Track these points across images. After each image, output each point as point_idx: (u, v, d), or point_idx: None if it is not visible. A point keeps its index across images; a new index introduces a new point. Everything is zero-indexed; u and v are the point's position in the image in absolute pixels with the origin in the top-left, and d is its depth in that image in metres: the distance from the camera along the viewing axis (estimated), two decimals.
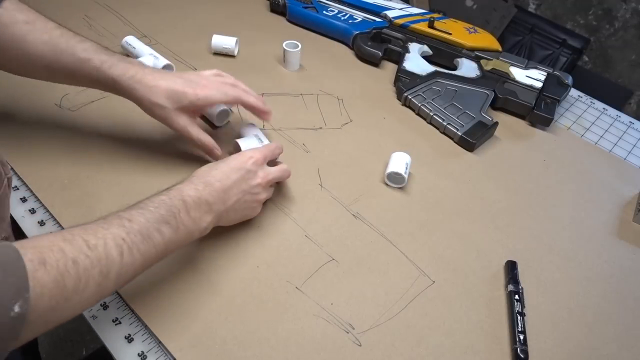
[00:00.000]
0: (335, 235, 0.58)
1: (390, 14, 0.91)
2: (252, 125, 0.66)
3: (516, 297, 0.53)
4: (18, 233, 0.53)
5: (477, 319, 0.52)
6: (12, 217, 0.53)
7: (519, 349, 0.48)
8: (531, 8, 1.84)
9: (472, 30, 0.89)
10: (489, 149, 0.73)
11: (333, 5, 0.93)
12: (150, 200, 0.45)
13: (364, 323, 0.50)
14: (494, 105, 0.80)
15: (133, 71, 0.55)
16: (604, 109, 0.86)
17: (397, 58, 0.85)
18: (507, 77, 0.82)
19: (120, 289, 0.42)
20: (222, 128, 0.69)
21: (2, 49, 0.54)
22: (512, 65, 0.84)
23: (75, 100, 0.69)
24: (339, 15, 0.91)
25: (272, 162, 0.58)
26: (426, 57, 0.85)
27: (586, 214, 0.66)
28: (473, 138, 0.71)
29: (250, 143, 0.62)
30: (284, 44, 0.80)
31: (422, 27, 0.88)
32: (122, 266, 0.40)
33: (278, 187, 0.61)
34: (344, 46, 0.90)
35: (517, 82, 0.81)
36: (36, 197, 0.57)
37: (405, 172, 0.63)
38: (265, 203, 0.58)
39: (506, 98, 0.78)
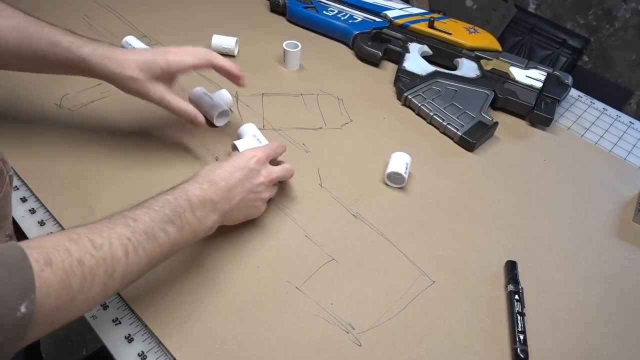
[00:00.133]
0: (335, 235, 0.58)
1: (390, 14, 0.91)
2: (250, 126, 0.66)
3: (516, 297, 0.53)
4: (18, 233, 0.53)
5: (477, 319, 0.52)
6: (12, 217, 0.53)
7: (519, 349, 0.48)
8: (531, 8, 1.84)
9: (472, 30, 0.89)
10: (489, 149, 0.73)
11: (333, 5, 0.93)
12: (155, 200, 0.45)
13: (364, 323, 0.50)
14: (494, 105, 0.80)
15: (102, 49, 0.55)
16: (604, 109, 0.86)
17: (397, 58, 0.85)
18: (507, 77, 0.82)
19: (126, 288, 0.42)
20: (222, 128, 0.69)
21: None
22: (512, 65, 0.84)
23: (75, 100, 0.69)
24: (339, 15, 0.91)
25: (274, 162, 0.59)
26: (426, 57, 0.85)
27: (586, 214, 0.66)
28: (473, 138, 0.71)
29: (249, 144, 0.62)
30: (284, 44, 0.80)
31: (422, 27, 0.88)
32: (127, 265, 0.40)
33: (279, 187, 0.61)
34: (344, 46, 0.90)
35: (517, 82, 0.81)
36: (36, 197, 0.57)
37: (405, 172, 0.63)
38: (267, 203, 0.58)
39: (506, 98, 0.78)
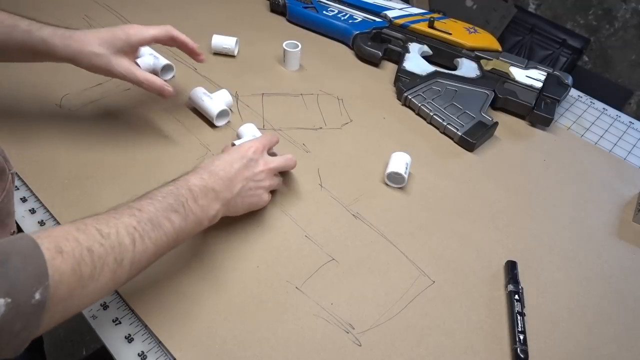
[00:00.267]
0: (335, 235, 0.58)
1: (390, 14, 0.91)
2: (249, 126, 0.66)
3: (516, 297, 0.53)
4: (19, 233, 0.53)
5: (477, 319, 0.52)
6: None
7: (519, 349, 0.48)
8: (531, 8, 1.84)
9: (472, 30, 0.89)
10: (489, 149, 0.73)
11: (333, 5, 0.93)
12: (158, 191, 0.46)
13: (364, 323, 0.50)
14: (494, 105, 0.80)
15: (61, 30, 0.56)
16: (604, 109, 0.86)
17: (397, 58, 0.85)
18: (507, 77, 0.82)
19: (133, 278, 0.43)
20: (222, 128, 0.69)
21: None
22: (512, 65, 0.84)
23: (75, 100, 0.69)
24: (339, 15, 0.91)
25: (271, 154, 0.59)
26: (426, 57, 0.85)
27: (586, 214, 0.66)
28: (473, 138, 0.71)
29: None
30: (284, 44, 0.80)
31: (422, 27, 0.88)
32: (135, 254, 0.41)
33: (279, 187, 0.61)
34: (344, 46, 0.90)
35: (517, 82, 0.81)
36: (36, 197, 0.57)
37: (405, 172, 0.63)
38: (270, 194, 0.58)
39: (506, 98, 0.78)
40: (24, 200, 0.57)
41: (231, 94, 0.71)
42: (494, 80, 0.81)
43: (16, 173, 0.58)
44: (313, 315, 0.50)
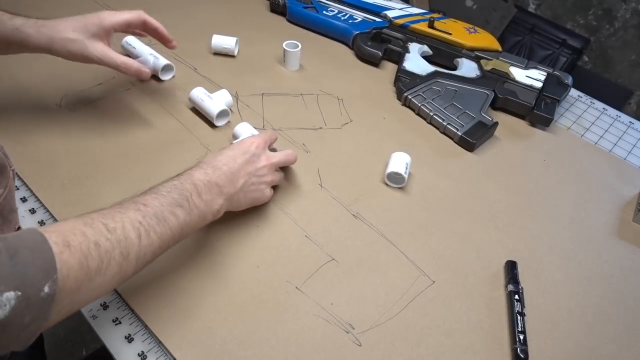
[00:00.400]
0: (335, 235, 0.58)
1: (390, 14, 0.91)
2: (245, 125, 0.66)
3: (516, 297, 0.53)
4: None
5: (477, 319, 0.52)
6: None
7: (519, 349, 0.48)
8: (531, 8, 1.84)
9: (472, 30, 0.89)
10: (489, 149, 0.73)
11: (333, 5, 0.93)
12: (163, 186, 0.46)
13: (364, 323, 0.50)
14: (494, 105, 0.80)
15: (33, 20, 0.56)
16: (603, 109, 0.86)
17: (397, 58, 0.85)
18: (507, 77, 0.82)
19: (139, 272, 0.43)
20: (222, 128, 0.69)
21: None
22: (512, 65, 0.84)
23: (75, 100, 0.69)
24: (339, 15, 0.91)
25: (271, 150, 0.59)
26: (426, 57, 0.85)
27: (586, 214, 0.66)
28: (473, 138, 0.71)
29: None
30: (284, 44, 0.80)
31: (422, 27, 0.88)
32: (140, 248, 0.41)
33: (279, 186, 0.61)
34: (344, 46, 0.90)
35: (517, 82, 0.81)
36: (36, 197, 0.57)
37: (405, 172, 0.63)
38: (266, 203, 0.58)
39: (506, 98, 0.78)
40: (24, 200, 0.57)
41: (231, 94, 0.71)
42: (494, 80, 0.81)
43: (16, 173, 0.58)
44: (313, 315, 0.50)
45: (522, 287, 0.54)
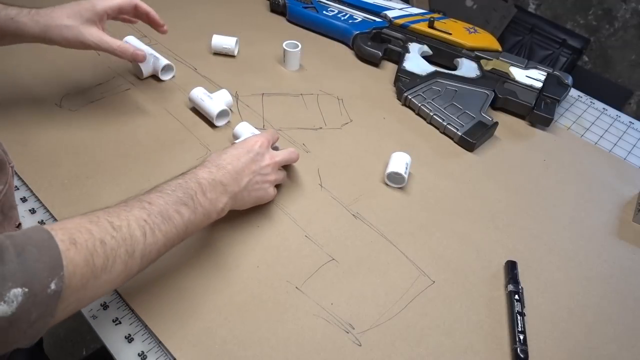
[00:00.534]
0: (335, 235, 0.58)
1: (390, 14, 0.91)
2: (245, 125, 0.66)
3: (516, 297, 0.53)
4: None
5: (477, 319, 0.52)
6: None
7: (519, 349, 0.48)
8: (531, 8, 1.84)
9: (472, 30, 0.89)
10: (489, 149, 0.73)
11: (333, 5, 0.93)
12: (167, 184, 0.47)
13: (364, 323, 0.50)
14: (494, 105, 0.80)
15: (27, 9, 0.57)
16: (603, 109, 0.86)
17: (397, 58, 0.85)
18: (507, 77, 0.82)
19: (144, 270, 0.43)
20: (222, 128, 0.69)
21: None
22: (512, 65, 0.84)
23: (75, 100, 0.69)
24: (339, 15, 0.91)
25: (273, 148, 0.60)
26: (426, 57, 0.85)
27: (586, 214, 0.66)
28: (473, 138, 0.71)
29: None
30: (284, 44, 0.80)
31: (422, 27, 0.88)
32: (145, 246, 0.41)
33: (279, 186, 0.61)
34: (344, 46, 0.90)
35: (517, 82, 0.81)
36: (36, 197, 0.57)
37: (405, 172, 0.63)
38: (268, 202, 0.58)
39: (506, 98, 0.78)
40: (24, 200, 0.57)
41: (231, 94, 0.71)
42: (494, 80, 0.81)
43: (16, 173, 0.58)
44: (313, 315, 0.50)
45: (522, 287, 0.54)
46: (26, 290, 0.32)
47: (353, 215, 0.60)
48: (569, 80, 0.82)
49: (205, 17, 0.91)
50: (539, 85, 0.80)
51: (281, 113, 0.73)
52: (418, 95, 0.77)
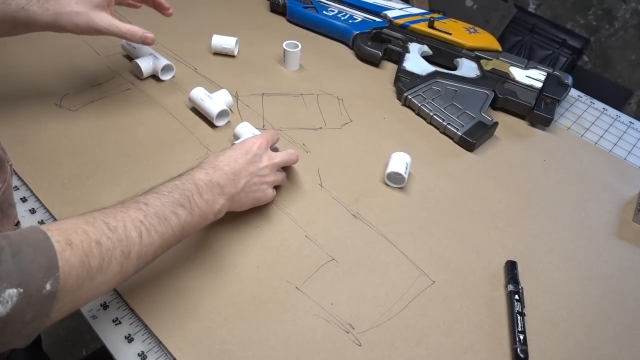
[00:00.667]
0: (335, 235, 0.58)
1: (390, 14, 0.91)
2: (246, 125, 0.66)
3: (516, 297, 0.53)
4: None
5: (477, 319, 0.52)
6: None
7: (519, 349, 0.48)
8: (531, 8, 1.84)
9: (472, 30, 0.89)
10: (489, 149, 0.73)
11: (333, 5, 0.93)
12: (164, 186, 0.47)
13: (364, 323, 0.50)
14: (494, 105, 0.80)
15: None
16: (603, 109, 0.86)
17: (397, 58, 0.85)
18: (507, 77, 0.82)
19: (140, 271, 0.43)
20: (222, 128, 0.69)
21: None
22: (512, 65, 0.84)
23: (75, 100, 0.69)
24: (339, 15, 0.91)
25: (273, 149, 0.60)
26: (426, 57, 0.85)
27: (586, 214, 0.66)
28: (473, 138, 0.71)
29: None
30: (284, 44, 0.80)
31: (422, 27, 0.88)
32: (141, 247, 0.41)
33: (279, 186, 0.61)
34: (344, 46, 0.90)
35: (517, 82, 0.81)
36: (36, 197, 0.57)
37: (405, 172, 0.63)
38: (275, 189, 0.59)
39: (506, 98, 0.78)
40: (24, 200, 0.57)
41: (231, 94, 0.71)
42: (494, 80, 0.81)
43: (16, 173, 0.58)
44: (313, 315, 0.50)
45: (522, 287, 0.54)
46: (21, 290, 0.32)
47: (353, 215, 0.60)
48: (569, 80, 0.82)
49: (205, 17, 0.91)
50: (539, 85, 0.80)
51: (281, 113, 0.73)
52: (418, 95, 0.77)
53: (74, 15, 0.57)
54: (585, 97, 0.88)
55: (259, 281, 0.52)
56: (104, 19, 0.58)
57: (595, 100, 0.88)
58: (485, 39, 0.88)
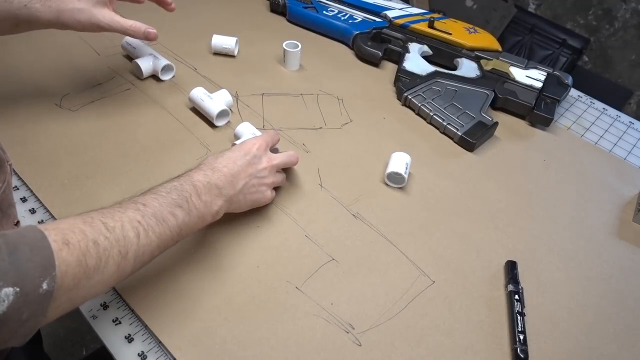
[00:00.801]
0: (335, 235, 0.58)
1: (390, 14, 0.91)
2: (247, 125, 0.66)
3: (516, 297, 0.53)
4: None
5: (477, 319, 0.52)
6: None
7: (519, 349, 0.48)
8: (531, 8, 1.84)
9: (472, 30, 0.89)
10: (489, 149, 0.73)
11: (333, 5, 0.93)
12: (162, 186, 0.47)
13: (364, 323, 0.50)
14: (494, 105, 0.80)
15: None
16: (603, 109, 0.86)
17: (397, 58, 0.85)
18: (507, 77, 0.82)
19: (137, 271, 0.43)
20: (222, 128, 0.69)
21: None
22: (512, 65, 0.84)
23: (75, 100, 0.69)
24: (339, 15, 0.91)
25: (273, 151, 0.59)
26: (426, 57, 0.85)
27: (586, 214, 0.66)
28: (473, 138, 0.71)
29: None
30: (284, 44, 0.80)
31: (422, 27, 0.88)
32: (139, 247, 0.41)
33: (279, 187, 0.61)
34: (344, 46, 0.90)
35: (517, 82, 0.81)
36: (36, 197, 0.57)
37: (405, 172, 0.63)
38: (274, 191, 0.58)
39: (506, 98, 0.78)
40: (24, 200, 0.57)
41: (231, 94, 0.71)
42: (494, 80, 0.81)
43: (16, 173, 0.58)
44: (313, 315, 0.50)
45: (522, 287, 0.54)
46: (17, 289, 0.32)
47: (353, 215, 0.60)
48: (569, 80, 0.82)
49: (205, 17, 0.91)
50: (539, 85, 0.80)
51: (281, 113, 0.73)
52: (418, 95, 0.77)
53: (76, 12, 0.57)
54: (585, 97, 0.88)
55: (259, 281, 0.52)
56: (107, 15, 0.58)
57: (595, 100, 0.88)
58: (485, 39, 0.88)
